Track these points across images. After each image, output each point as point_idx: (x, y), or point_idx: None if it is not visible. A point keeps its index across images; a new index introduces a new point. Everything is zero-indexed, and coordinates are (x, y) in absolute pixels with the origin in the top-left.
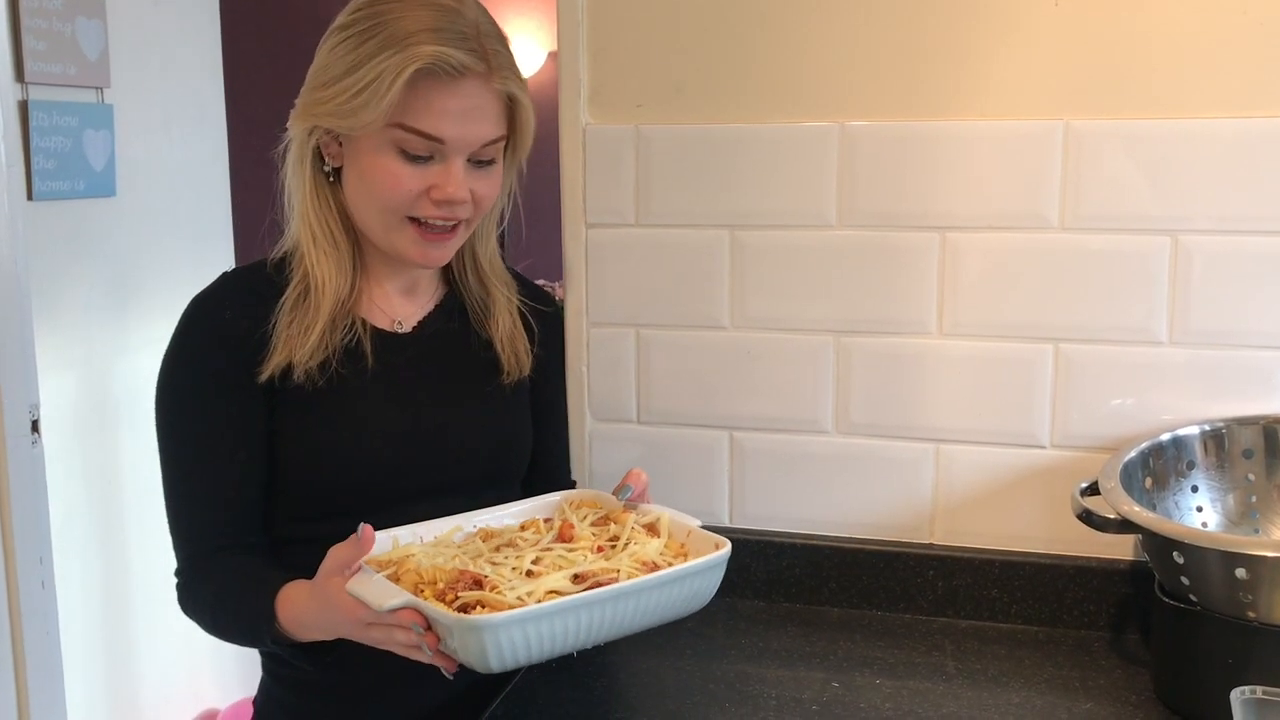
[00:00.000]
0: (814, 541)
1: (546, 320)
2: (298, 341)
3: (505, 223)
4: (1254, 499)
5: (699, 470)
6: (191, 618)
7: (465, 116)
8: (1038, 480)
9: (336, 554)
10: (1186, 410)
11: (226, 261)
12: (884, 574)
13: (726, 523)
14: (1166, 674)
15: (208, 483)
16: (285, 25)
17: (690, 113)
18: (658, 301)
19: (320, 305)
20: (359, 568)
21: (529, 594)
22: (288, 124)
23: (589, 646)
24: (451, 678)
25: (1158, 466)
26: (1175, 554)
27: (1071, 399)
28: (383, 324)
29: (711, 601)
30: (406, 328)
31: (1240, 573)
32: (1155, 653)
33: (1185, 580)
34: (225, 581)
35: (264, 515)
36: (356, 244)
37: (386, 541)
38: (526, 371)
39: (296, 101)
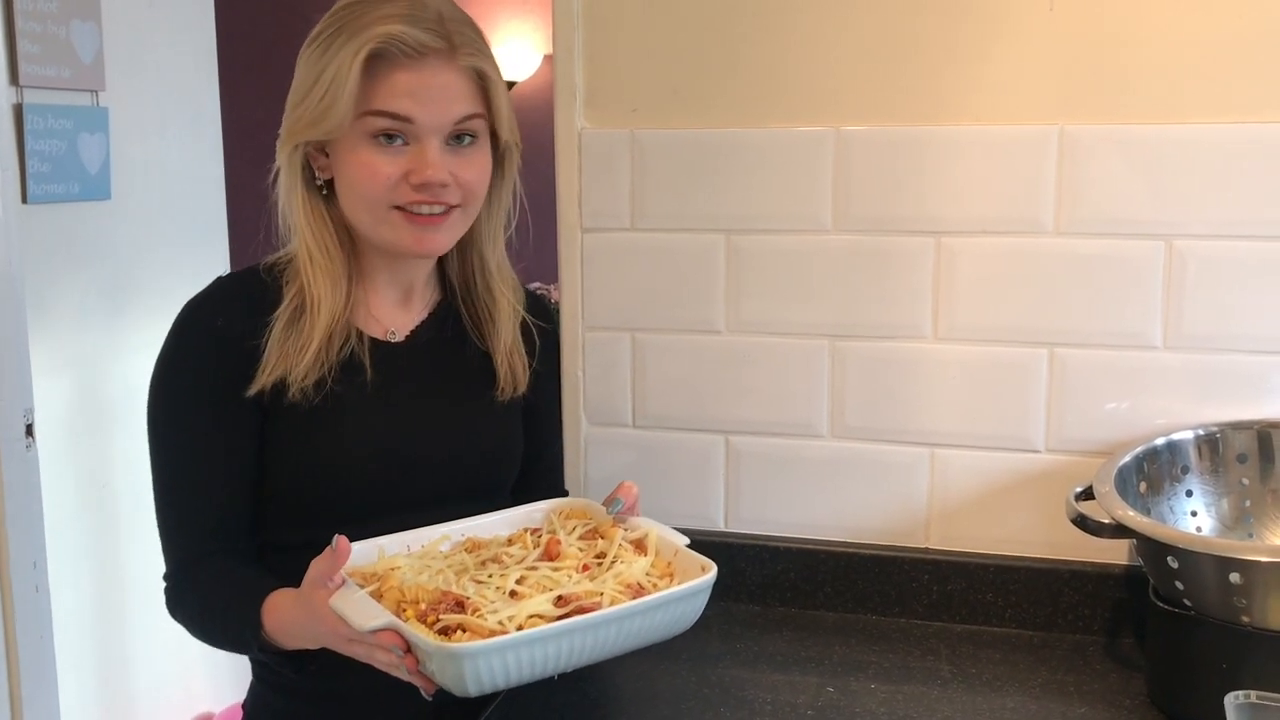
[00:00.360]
0: (809, 546)
1: (546, 336)
2: (293, 360)
3: (513, 227)
4: (1248, 503)
5: (694, 474)
6: (179, 622)
7: (430, 94)
8: (1032, 485)
9: (316, 566)
10: (1181, 415)
11: (221, 265)
12: (879, 578)
13: (721, 526)
14: (1161, 678)
15: (197, 487)
16: (280, 28)
17: (686, 117)
18: (653, 305)
19: (315, 324)
20: (342, 580)
21: (510, 619)
22: (276, 153)
23: (570, 670)
24: (430, 698)
25: (1152, 471)
26: (1170, 559)
27: (1066, 403)
28: (376, 333)
29: (706, 606)
30: (399, 337)
31: (1234, 577)
32: (1150, 657)
33: (1180, 585)
34: (212, 588)
35: (253, 520)
36: (353, 254)
37: (372, 551)
38: (523, 390)
39: (280, 130)
